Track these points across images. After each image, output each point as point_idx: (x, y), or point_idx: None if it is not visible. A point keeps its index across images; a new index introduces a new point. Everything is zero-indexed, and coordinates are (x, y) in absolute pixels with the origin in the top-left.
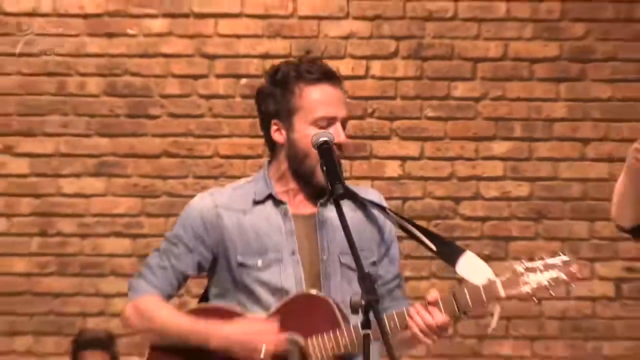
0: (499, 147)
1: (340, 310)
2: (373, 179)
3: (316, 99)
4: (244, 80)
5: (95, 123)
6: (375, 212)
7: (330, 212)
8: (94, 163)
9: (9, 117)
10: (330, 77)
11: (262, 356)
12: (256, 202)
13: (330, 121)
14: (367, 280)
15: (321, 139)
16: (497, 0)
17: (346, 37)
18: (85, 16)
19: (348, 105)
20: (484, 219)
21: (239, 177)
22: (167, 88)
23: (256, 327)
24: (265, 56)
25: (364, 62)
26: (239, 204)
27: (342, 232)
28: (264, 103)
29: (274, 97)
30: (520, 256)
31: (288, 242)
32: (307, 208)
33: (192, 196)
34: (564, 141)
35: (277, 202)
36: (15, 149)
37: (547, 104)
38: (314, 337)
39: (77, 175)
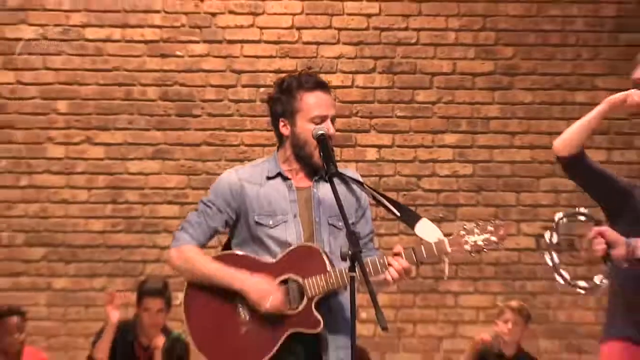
0: (450, 138)
1: (328, 257)
2: (357, 161)
3: (312, 102)
4: (262, 89)
5: (153, 120)
6: (354, 186)
7: (322, 186)
8: (152, 150)
9: (89, 116)
10: (322, 85)
11: (268, 305)
12: (269, 178)
13: (323, 118)
14: (353, 237)
15: (319, 132)
16: (448, 31)
17: (337, 57)
18: (145, 42)
19: (338, 107)
20: (438, 191)
21: None
22: (206, 95)
23: (266, 284)
24: (278, 71)
25: (350, 75)
26: (257, 179)
27: (331, 202)
28: (274, 106)
29: (281, 101)
30: (465, 219)
31: (291, 208)
32: (305, 182)
33: None
34: (497, 134)
35: (284, 178)
36: (94, 139)
37: (484, 107)
38: (309, 277)
39: (140, 159)
